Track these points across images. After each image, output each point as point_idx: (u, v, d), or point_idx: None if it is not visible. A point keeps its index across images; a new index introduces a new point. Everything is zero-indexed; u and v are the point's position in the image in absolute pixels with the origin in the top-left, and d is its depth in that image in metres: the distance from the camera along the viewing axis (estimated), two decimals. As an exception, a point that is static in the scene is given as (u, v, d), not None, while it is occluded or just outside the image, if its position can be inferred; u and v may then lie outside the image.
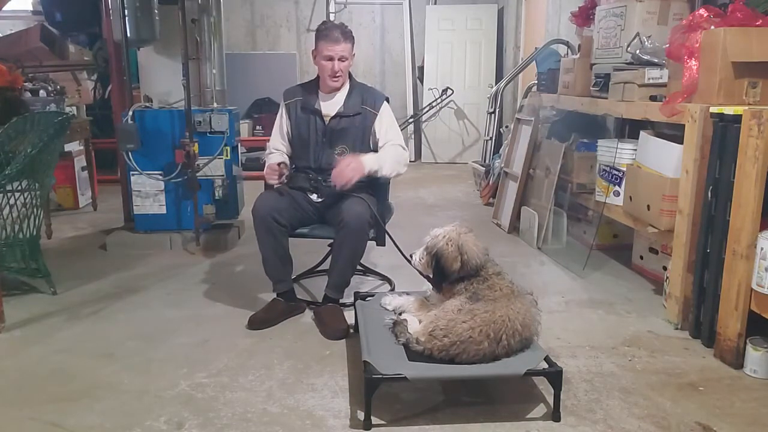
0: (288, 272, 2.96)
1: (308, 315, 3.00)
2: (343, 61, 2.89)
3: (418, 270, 2.49)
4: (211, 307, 3.15)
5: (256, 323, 2.85)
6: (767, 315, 2.37)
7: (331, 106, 2.98)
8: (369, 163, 2.81)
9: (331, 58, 2.87)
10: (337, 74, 2.90)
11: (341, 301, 2.93)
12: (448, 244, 2.32)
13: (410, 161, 8.10)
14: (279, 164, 2.89)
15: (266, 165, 2.95)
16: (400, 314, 2.46)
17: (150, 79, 4.34)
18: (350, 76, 3.04)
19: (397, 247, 2.89)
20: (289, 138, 3.05)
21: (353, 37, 2.94)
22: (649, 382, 2.35)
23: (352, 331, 2.74)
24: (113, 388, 2.31)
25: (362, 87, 3.06)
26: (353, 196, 2.82)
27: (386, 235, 2.96)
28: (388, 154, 2.91)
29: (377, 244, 2.97)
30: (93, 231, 4.66)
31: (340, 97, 2.98)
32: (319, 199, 2.93)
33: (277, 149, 3.06)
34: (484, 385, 2.31)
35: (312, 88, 3.03)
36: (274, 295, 2.97)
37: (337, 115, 2.95)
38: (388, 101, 3.06)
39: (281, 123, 3.06)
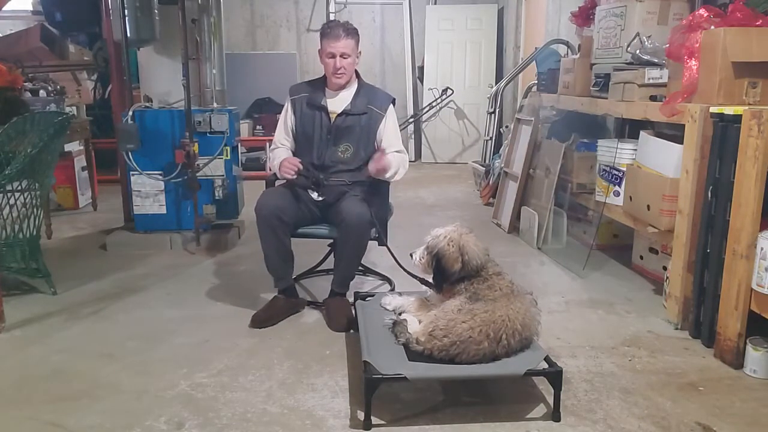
0: (289, 269, 2.98)
1: (308, 315, 3.00)
2: (346, 58, 2.89)
3: (413, 274, 2.49)
4: (211, 307, 3.15)
5: (259, 322, 2.87)
6: (767, 315, 2.37)
7: (337, 103, 2.98)
8: (392, 164, 2.88)
9: (333, 56, 2.88)
10: (339, 71, 2.90)
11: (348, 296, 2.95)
12: (449, 245, 2.32)
13: (410, 161, 8.16)
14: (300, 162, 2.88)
15: (282, 159, 2.93)
16: (400, 314, 2.46)
17: (150, 79, 4.34)
18: (358, 75, 3.05)
19: (394, 257, 2.92)
20: (293, 134, 3.06)
21: (357, 35, 2.93)
22: (649, 382, 2.35)
23: (352, 331, 2.74)
24: (113, 388, 2.31)
25: (370, 87, 3.08)
26: (354, 195, 2.84)
27: (386, 238, 2.97)
28: (396, 161, 2.94)
29: (378, 244, 2.98)
30: (93, 231, 4.66)
31: (347, 95, 2.99)
32: (320, 198, 2.93)
33: (283, 144, 3.07)
34: (484, 385, 2.31)
35: (319, 85, 3.04)
36: (275, 293, 2.99)
37: (344, 113, 2.95)
38: (394, 103, 3.07)
39: (286, 118, 3.07)
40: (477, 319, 2.13)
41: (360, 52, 2.98)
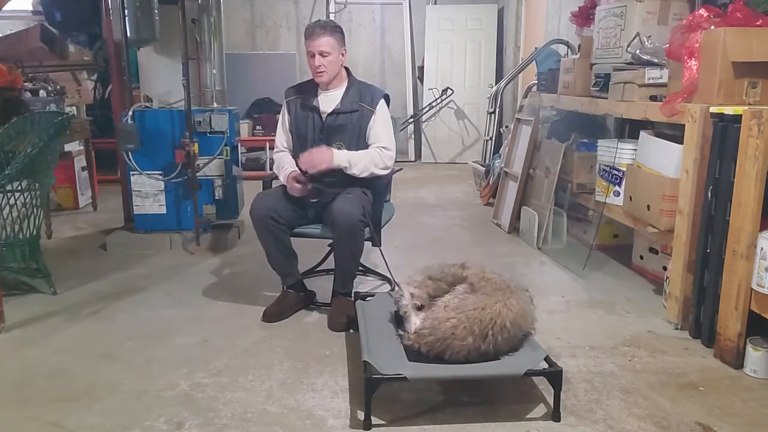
0: (294, 265, 3.00)
1: (309, 315, 3.00)
2: (325, 56, 2.87)
3: (398, 283, 2.53)
4: (211, 307, 3.15)
5: (271, 316, 2.92)
6: (767, 315, 2.37)
7: (329, 102, 2.97)
8: (340, 158, 2.85)
9: (313, 55, 2.88)
10: (319, 69, 2.89)
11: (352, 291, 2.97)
12: (420, 292, 2.38)
13: (410, 161, 8.17)
14: (301, 182, 2.88)
15: (288, 172, 2.93)
16: (404, 312, 2.44)
17: (150, 79, 4.34)
18: (349, 73, 3.04)
19: (385, 260, 2.93)
20: (290, 135, 3.06)
21: (339, 32, 2.91)
22: (649, 382, 2.35)
23: (352, 331, 2.74)
24: (113, 388, 2.32)
25: (361, 84, 3.06)
26: (346, 195, 2.83)
27: (380, 240, 2.96)
28: (365, 155, 2.91)
29: (372, 245, 2.96)
30: (93, 231, 4.66)
31: (338, 93, 2.98)
32: (315, 200, 2.92)
33: (284, 146, 3.08)
34: (484, 385, 2.31)
35: (312, 86, 3.04)
36: (277, 293, 3.01)
37: (334, 112, 2.95)
38: (387, 98, 3.04)
39: (284, 120, 3.08)
40: (463, 316, 2.15)
41: (345, 50, 2.95)
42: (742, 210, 2.41)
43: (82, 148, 5.38)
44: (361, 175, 2.90)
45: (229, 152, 4.12)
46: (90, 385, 2.34)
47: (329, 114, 2.95)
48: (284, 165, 3.00)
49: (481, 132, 7.55)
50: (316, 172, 2.84)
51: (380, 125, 2.98)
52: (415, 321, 2.30)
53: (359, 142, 2.97)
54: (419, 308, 2.34)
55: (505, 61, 7.74)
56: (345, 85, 3.00)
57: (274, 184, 3.11)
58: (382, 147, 2.94)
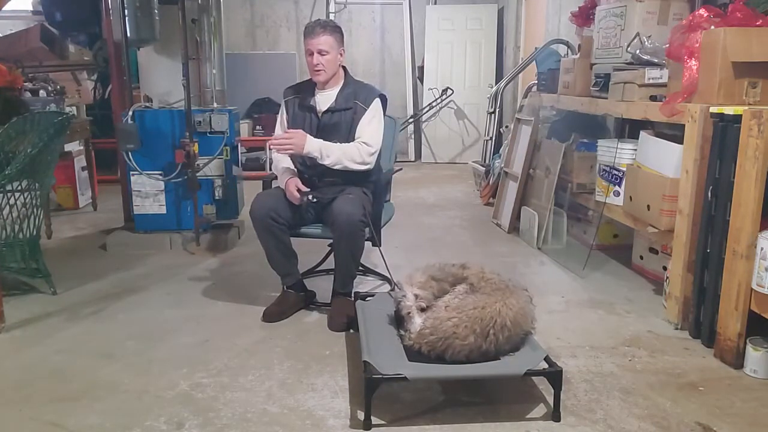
0: (294, 264, 3.01)
1: (309, 315, 3.01)
2: (324, 55, 2.87)
3: (397, 283, 2.53)
4: (211, 307, 3.15)
5: (271, 316, 2.92)
6: (767, 315, 2.37)
7: (325, 101, 2.97)
8: (312, 146, 2.82)
9: (311, 53, 2.88)
10: (317, 67, 2.88)
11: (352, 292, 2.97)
12: (422, 291, 2.38)
13: (410, 161, 8.17)
14: (300, 191, 2.87)
15: (286, 178, 2.92)
16: (408, 313, 2.44)
17: (150, 79, 4.34)
18: (347, 73, 3.04)
19: (384, 260, 2.93)
20: None
21: (338, 32, 2.92)
22: (649, 382, 2.35)
23: (352, 331, 2.74)
24: (113, 388, 2.32)
25: (357, 83, 3.05)
26: (346, 195, 2.82)
27: (380, 240, 2.97)
28: (340, 148, 2.87)
29: (372, 245, 2.96)
30: (93, 231, 4.66)
31: (334, 92, 2.98)
32: (314, 200, 2.92)
33: None
34: (484, 385, 2.31)
35: (310, 85, 3.04)
36: (278, 292, 3.02)
37: (329, 110, 2.95)
38: (383, 98, 3.02)
39: (282, 120, 3.08)
40: (463, 315, 2.16)
41: (343, 50, 2.95)
42: (742, 210, 2.41)
43: (82, 148, 5.37)
44: (335, 168, 2.87)
45: (229, 152, 4.12)
46: (90, 385, 2.34)
47: (324, 112, 2.96)
48: (283, 166, 3.00)
49: (481, 132, 7.55)
50: (289, 153, 2.87)
51: (367, 120, 2.94)
52: (418, 322, 2.30)
53: (352, 140, 2.96)
54: (423, 310, 2.33)
55: (505, 61, 7.74)
56: (341, 83, 3.00)
57: (274, 184, 3.11)
58: (363, 142, 2.91)
